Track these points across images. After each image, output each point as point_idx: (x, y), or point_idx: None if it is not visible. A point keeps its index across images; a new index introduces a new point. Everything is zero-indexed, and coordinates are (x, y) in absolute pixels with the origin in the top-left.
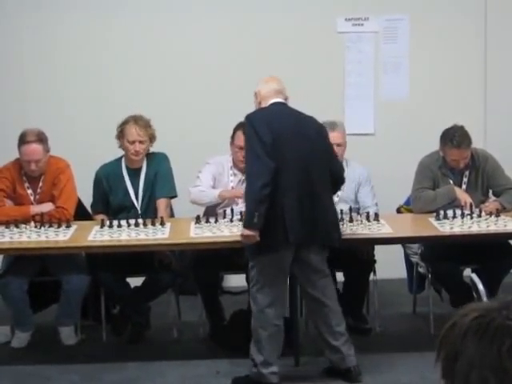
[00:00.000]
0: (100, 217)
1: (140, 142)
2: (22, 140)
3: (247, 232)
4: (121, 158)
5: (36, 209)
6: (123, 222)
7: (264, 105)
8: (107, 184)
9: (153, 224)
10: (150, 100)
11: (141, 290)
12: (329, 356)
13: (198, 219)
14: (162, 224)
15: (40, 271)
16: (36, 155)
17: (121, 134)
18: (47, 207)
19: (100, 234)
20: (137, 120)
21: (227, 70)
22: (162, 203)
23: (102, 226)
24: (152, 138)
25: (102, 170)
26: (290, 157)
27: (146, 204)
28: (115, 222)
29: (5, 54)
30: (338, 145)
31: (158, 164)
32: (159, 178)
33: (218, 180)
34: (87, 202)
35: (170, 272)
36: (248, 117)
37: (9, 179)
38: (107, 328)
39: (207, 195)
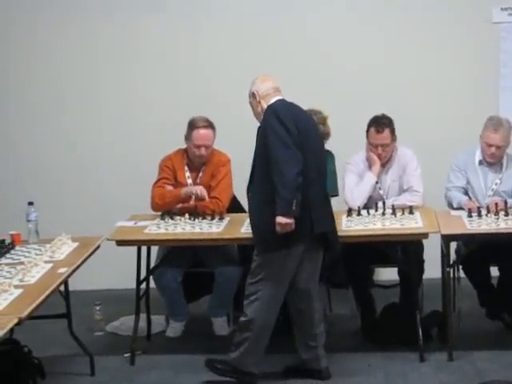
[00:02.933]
0: None
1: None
2: (194, 125)
3: (285, 220)
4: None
5: (187, 189)
6: None
7: (266, 104)
8: None
9: None
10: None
11: None
12: (303, 356)
13: (349, 212)
14: None
15: (194, 263)
16: (208, 140)
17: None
18: (198, 188)
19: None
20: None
21: (377, 69)
22: None
23: None
24: (326, 136)
25: None
26: (310, 151)
27: None
28: None
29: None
30: (498, 147)
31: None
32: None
33: (362, 177)
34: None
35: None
36: (272, 107)
37: (170, 168)
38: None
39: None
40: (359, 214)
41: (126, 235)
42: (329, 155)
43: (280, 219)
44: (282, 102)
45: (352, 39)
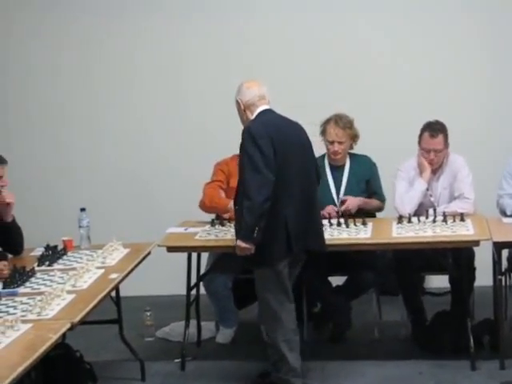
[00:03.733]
0: None
1: (339, 142)
2: None
3: (244, 245)
4: (324, 155)
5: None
6: (325, 222)
7: (250, 113)
8: None
9: (354, 224)
10: None
11: (342, 289)
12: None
13: (400, 219)
14: (364, 224)
15: (244, 269)
16: None
17: (323, 132)
18: None
19: None
20: (337, 120)
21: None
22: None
23: None
24: (354, 138)
25: None
26: (290, 167)
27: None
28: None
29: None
30: None
31: (365, 167)
32: (372, 182)
33: (412, 184)
34: None
35: (372, 271)
36: (247, 128)
37: (225, 173)
38: (309, 326)
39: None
40: (410, 221)
41: (177, 241)
42: (369, 161)
43: (239, 243)
44: (261, 118)
45: (395, 40)
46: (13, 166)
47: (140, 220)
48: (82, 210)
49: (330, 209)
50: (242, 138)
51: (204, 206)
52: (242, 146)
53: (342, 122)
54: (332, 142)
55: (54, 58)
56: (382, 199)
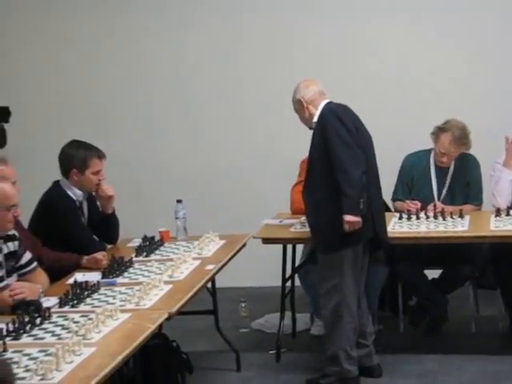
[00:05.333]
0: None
1: (449, 155)
2: None
3: (354, 218)
4: (430, 150)
5: None
6: (422, 214)
7: (313, 107)
8: (412, 173)
9: (451, 216)
10: None
11: (439, 282)
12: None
13: (497, 212)
14: (462, 216)
15: None
16: None
17: (436, 138)
18: None
19: (399, 226)
20: (455, 138)
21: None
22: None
23: (401, 217)
24: (465, 147)
25: (409, 158)
26: (365, 152)
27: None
28: (413, 215)
29: None
30: None
31: (468, 168)
32: (471, 184)
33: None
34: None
35: (469, 265)
36: (329, 108)
37: None
38: (404, 319)
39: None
40: (508, 213)
41: (272, 233)
42: (473, 162)
43: (349, 217)
44: (335, 104)
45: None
46: (113, 160)
47: (235, 212)
48: (179, 201)
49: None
50: (323, 122)
51: (297, 210)
52: (328, 128)
53: (460, 140)
54: (443, 154)
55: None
56: (478, 203)
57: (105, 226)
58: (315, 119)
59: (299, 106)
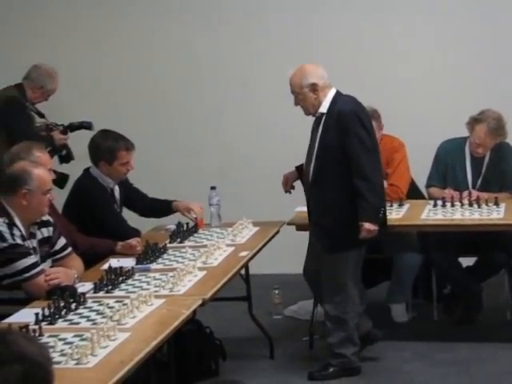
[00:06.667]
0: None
1: (484, 146)
2: None
3: (373, 227)
4: (466, 138)
5: None
6: (457, 202)
7: (323, 95)
8: (447, 161)
9: (487, 204)
10: None
11: (473, 270)
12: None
13: None
14: (497, 204)
15: (373, 248)
16: None
17: (471, 129)
18: None
19: (433, 213)
20: (491, 129)
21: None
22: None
23: (435, 205)
24: (501, 138)
25: (445, 146)
26: (377, 152)
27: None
28: (448, 202)
29: None
30: None
31: (504, 156)
32: (507, 172)
33: None
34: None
35: (504, 253)
36: (350, 106)
37: None
38: (438, 307)
39: None
40: None
41: (306, 220)
42: (507, 149)
43: (369, 226)
44: (353, 98)
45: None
46: (147, 147)
47: (269, 199)
48: (213, 188)
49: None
50: (343, 120)
51: None
52: (348, 129)
53: (496, 131)
54: (478, 145)
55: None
56: None
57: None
58: (323, 109)
59: (309, 90)
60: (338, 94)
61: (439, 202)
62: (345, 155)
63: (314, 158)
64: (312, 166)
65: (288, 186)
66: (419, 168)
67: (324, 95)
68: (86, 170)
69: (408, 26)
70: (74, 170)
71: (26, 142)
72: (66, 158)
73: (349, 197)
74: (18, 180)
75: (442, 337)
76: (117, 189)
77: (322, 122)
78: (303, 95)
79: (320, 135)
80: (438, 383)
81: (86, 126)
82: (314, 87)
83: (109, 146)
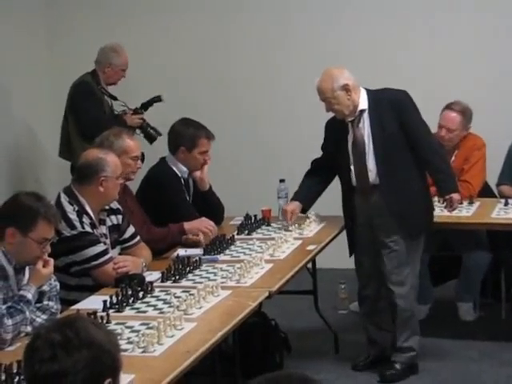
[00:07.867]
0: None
1: None
2: (447, 105)
3: (459, 196)
4: None
5: None
6: None
7: (355, 94)
8: None
9: None
10: None
11: None
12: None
13: None
14: None
15: (441, 246)
16: (450, 123)
17: None
18: None
19: (504, 212)
20: None
21: None
22: None
23: (506, 203)
24: None
25: None
26: None
27: None
28: None
29: None
30: None
31: None
32: None
33: None
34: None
35: None
36: (402, 94)
37: None
38: (506, 307)
39: None
40: None
41: None
42: None
43: (456, 195)
44: (394, 90)
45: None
46: (217, 141)
47: (337, 193)
48: (282, 181)
49: None
50: (400, 108)
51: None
52: (410, 116)
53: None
54: None
55: None
56: None
57: (205, 205)
58: (362, 106)
59: (342, 93)
60: (368, 90)
61: (510, 201)
62: (408, 139)
63: (370, 155)
64: (372, 163)
65: (293, 220)
66: (489, 166)
67: (356, 94)
68: (162, 159)
69: None
70: None
71: (117, 127)
72: (148, 138)
73: (424, 183)
74: (95, 168)
75: (510, 337)
76: (191, 181)
77: (364, 118)
78: (336, 98)
79: (372, 130)
80: (506, 383)
81: (157, 99)
82: (346, 88)
83: (190, 133)
